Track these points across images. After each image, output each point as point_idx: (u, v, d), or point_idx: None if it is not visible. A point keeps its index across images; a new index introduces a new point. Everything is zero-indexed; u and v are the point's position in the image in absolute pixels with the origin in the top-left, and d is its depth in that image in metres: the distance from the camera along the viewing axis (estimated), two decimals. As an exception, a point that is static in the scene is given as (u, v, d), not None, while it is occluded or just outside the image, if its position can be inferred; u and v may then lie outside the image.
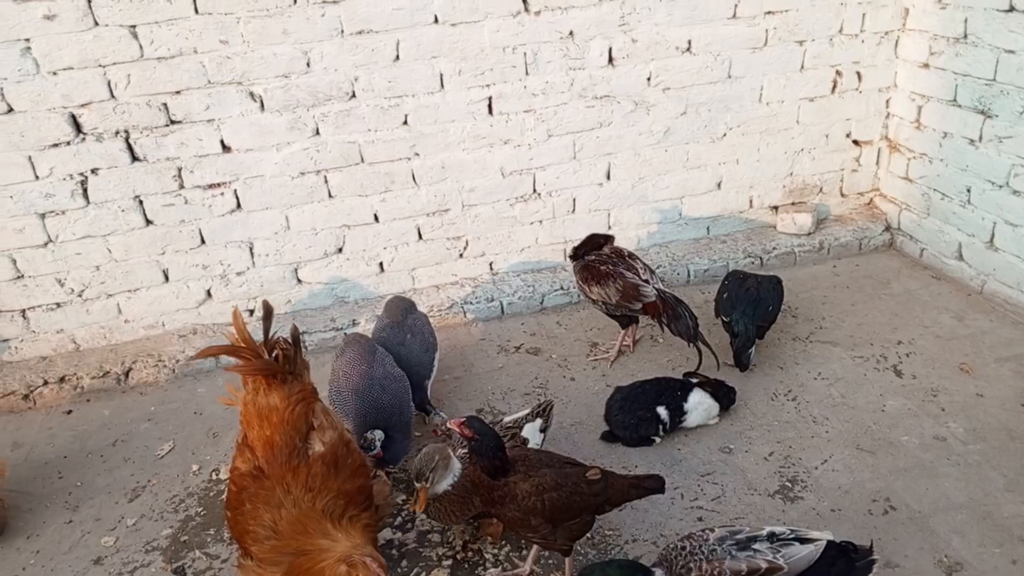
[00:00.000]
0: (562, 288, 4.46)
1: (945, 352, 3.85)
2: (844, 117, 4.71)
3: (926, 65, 4.39)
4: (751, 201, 4.81)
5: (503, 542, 2.95)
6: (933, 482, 3.09)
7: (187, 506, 3.22)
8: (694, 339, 3.65)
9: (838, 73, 4.56)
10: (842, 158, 4.85)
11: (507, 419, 3.12)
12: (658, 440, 3.37)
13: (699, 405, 3.39)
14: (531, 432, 3.04)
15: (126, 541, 3.06)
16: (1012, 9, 3.79)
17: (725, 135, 4.55)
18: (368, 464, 2.66)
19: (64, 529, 3.15)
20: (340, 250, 4.27)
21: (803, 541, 2.36)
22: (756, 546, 2.34)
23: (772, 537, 2.37)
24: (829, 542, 2.37)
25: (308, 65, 3.80)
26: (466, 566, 2.85)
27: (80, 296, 3.98)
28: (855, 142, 4.82)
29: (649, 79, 4.27)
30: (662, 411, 3.34)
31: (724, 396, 3.47)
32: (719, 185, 4.70)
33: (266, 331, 2.50)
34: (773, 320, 3.85)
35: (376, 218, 4.23)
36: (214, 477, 3.37)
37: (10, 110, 3.54)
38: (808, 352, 3.95)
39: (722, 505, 3.06)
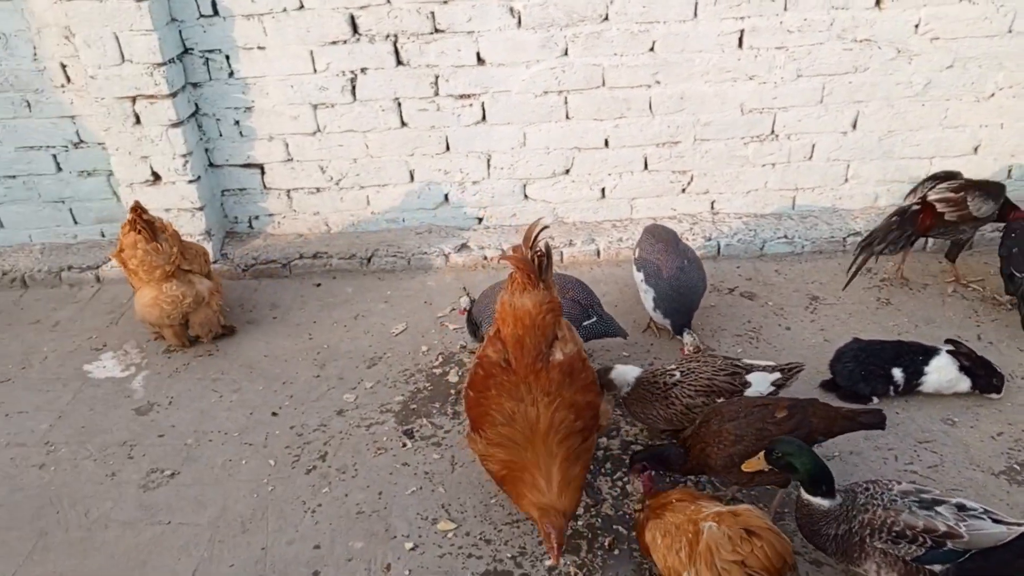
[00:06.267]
0: (785, 236, 4.36)
1: None
2: None
3: None
4: (1010, 171, 4.41)
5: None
6: None
7: (416, 380, 3.57)
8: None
9: None
10: None
11: (746, 360, 3.09)
12: (876, 401, 3.28)
13: (941, 371, 3.22)
14: (758, 380, 2.97)
15: (364, 400, 3.47)
16: None
17: (993, 95, 4.18)
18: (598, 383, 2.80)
19: (313, 382, 3.61)
20: (567, 171, 4.41)
21: (996, 522, 2.24)
22: (940, 509, 2.27)
23: (961, 507, 2.28)
24: None
25: (567, -17, 3.91)
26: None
27: (337, 184, 4.42)
28: None
29: (917, 26, 3.98)
30: (896, 372, 3.23)
31: (981, 376, 3.22)
32: (976, 149, 4.34)
33: (533, 238, 2.63)
34: None
35: (606, 143, 4.32)
36: (439, 360, 3.70)
37: (301, 7, 3.94)
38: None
39: (939, 474, 2.96)
